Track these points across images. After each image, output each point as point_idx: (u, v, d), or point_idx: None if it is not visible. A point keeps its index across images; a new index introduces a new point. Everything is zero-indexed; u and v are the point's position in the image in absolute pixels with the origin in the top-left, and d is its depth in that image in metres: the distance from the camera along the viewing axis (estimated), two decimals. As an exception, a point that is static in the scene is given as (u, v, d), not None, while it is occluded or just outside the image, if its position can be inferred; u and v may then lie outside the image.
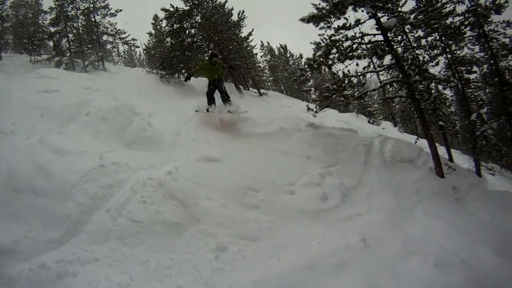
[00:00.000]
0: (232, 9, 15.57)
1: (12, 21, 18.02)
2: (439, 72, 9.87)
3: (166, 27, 14.96)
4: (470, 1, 9.74)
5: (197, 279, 3.99)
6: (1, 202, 4.40)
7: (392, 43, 8.24)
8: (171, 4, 13.89)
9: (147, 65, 18.84)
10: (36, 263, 3.73)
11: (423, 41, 9.94)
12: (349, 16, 8.20)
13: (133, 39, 16.59)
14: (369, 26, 8.28)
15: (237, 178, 6.02)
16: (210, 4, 14.53)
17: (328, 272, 4.07)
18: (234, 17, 15.85)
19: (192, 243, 4.52)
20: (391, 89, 10.49)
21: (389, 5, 8.11)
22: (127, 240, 4.38)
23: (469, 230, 5.83)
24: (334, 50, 8.21)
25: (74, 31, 15.94)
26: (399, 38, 8.88)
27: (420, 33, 9.88)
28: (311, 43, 8.60)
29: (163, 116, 8.10)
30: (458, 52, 10.30)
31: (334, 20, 8.27)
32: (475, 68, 10.67)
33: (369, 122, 20.28)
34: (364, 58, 8.35)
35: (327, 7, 8.13)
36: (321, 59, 8.24)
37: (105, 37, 16.36)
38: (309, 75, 9.75)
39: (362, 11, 8.05)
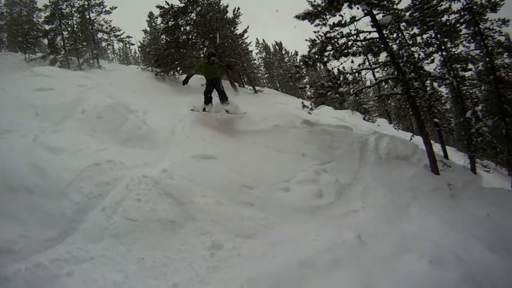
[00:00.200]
0: (227, 6, 15.53)
1: (7, 19, 17.90)
2: (434, 69, 9.93)
3: (161, 25, 14.87)
4: (466, -1, 9.78)
5: (192, 277, 3.99)
6: (-4, 201, 4.37)
7: (388, 40, 8.28)
8: (166, 1, 13.84)
9: (142, 62, 18.78)
10: (32, 262, 3.70)
11: (419, 39, 10.02)
12: (344, 13, 8.24)
13: (128, 37, 16.54)
14: (365, 23, 8.36)
15: (232, 176, 6.02)
16: (205, 1, 14.44)
17: (323, 269, 4.07)
18: (229, 14, 15.81)
19: (188, 240, 4.51)
20: (386, 86, 10.54)
21: (385, 2, 8.14)
22: (123, 239, 4.35)
23: (464, 227, 5.88)
24: (329, 47, 8.22)
25: (69, 29, 15.83)
26: (395, 35, 8.94)
27: (416, 30, 9.96)
28: (306, 40, 8.62)
29: (158, 114, 8.06)
30: (454, 49, 10.38)
31: (330, 17, 8.30)
32: (470, 66, 10.75)
33: (364, 119, 20.36)
34: (359, 55, 8.38)
35: (322, 4, 8.15)
36: (316, 56, 8.26)
37: (100, 35, 16.33)
38: (304, 72, 9.75)
39: (358, 8, 8.06)
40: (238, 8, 16.16)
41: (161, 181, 5.21)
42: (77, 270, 3.77)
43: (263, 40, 32.86)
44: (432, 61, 9.24)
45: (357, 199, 6.44)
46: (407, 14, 9.42)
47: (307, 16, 8.25)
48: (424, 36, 9.97)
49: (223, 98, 8.29)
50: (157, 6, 13.91)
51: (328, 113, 14.94)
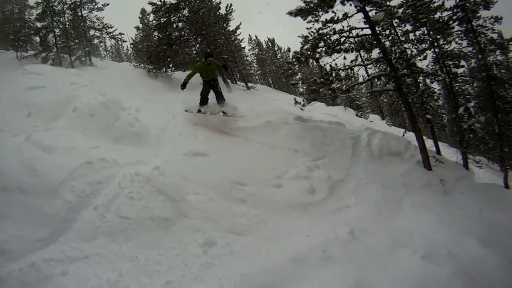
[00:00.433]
0: (219, 2, 15.44)
1: (-2, 17, 17.63)
2: (427, 66, 9.96)
3: (154, 21, 14.78)
4: (459, -4, 9.82)
5: (186, 274, 3.99)
6: (-11, 201, 4.33)
7: (380, 37, 8.28)
8: (158, -2, 13.73)
9: (134, 59, 18.64)
10: (25, 262, 3.69)
11: (411, 35, 10.05)
12: (337, 10, 8.25)
13: (120, 34, 16.33)
14: (357, 20, 8.34)
15: (225, 172, 6.02)
16: (198, -2, 14.37)
17: (316, 265, 4.10)
18: (222, 11, 15.74)
19: (181, 238, 4.52)
20: (379, 82, 10.56)
21: (377, -1, 8.14)
22: (116, 237, 4.35)
23: (456, 222, 5.93)
24: (322, 44, 8.23)
25: (61, 26, 15.62)
26: (387, 32, 8.91)
27: (408, 27, 9.97)
28: (299, 36, 8.60)
29: (150, 111, 8.03)
30: (446, 46, 10.42)
31: (322, 14, 8.30)
32: (463, 63, 10.81)
33: (357, 115, 20.46)
34: (352, 52, 8.39)
35: (315, 1, 8.15)
36: (309, 52, 8.26)
37: (92, 32, 16.09)
38: (297, 69, 9.75)
39: (350, 4, 8.09)
40: (231, 5, 16.12)
41: (154, 179, 5.21)
42: (71, 269, 3.76)
43: (256, 36, 32.88)
44: (425, 58, 9.32)
45: (349, 195, 6.48)
46: (400, 11, 9.44)
47: (300, 12, 8.25)
48: (417, 33, 10.00)
49: (220, 99, 8.13)
50: (149, 3, 13.80)
51: (320, 110, 14.99)
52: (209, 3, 14.87)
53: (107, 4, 15.68)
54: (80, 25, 15.71)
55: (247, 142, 7.46)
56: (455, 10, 10.04)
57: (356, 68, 8.57)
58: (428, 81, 9.89)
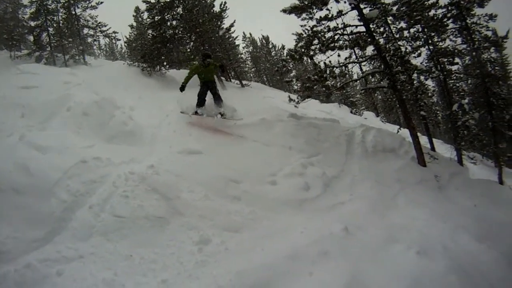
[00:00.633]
0: (214, 0, 15.38)
1: (-8, 17, 17.47)
2: (421, 63, 10.00)
3: (148, 19, 14.72)
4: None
5: (181, 272, 4.00)
6: (-17, 203, 4.31)
7: (374, 34, 8.30)
8: (152, -4, 13.67)
9: (128, 58, 18.56)
10: (21, 263, 3.68)
11: (406, 33, 10.06)
12: (331, 7, 8.26)
13: (114, 32, 16.28)
14: (351, 18, 8.35)
15: (219, 170, 6.02)
16: (192, -5, 14.31)
17: (311, 261, 4.12)
18: (216, 8, 15.66)
19: (176, 236, 4.51)
20: (373, 79, 10.59)
21: (372, -4, 8.15)
22: (111, 236, 4.34)
23: (451, 218, 5.95)
24: (316, 41, 8.23)
25: (55, 25, 15.53)
26: (382, 29, 8.96)
27: (403, 24, 10.01)
28: (293, 34, 8.61)
29: (144, 109, 8.01)
30: (441, 43, 10.44)
31: (316, 11, 8.30)
32: (457, 60, 10.83)
33: (351, 112, 20.53)
34: (346, 49, 8.39)
35: (310, -2, 8.14)
36: (303, 50, 8.26)
37: (86, 30, 16.03)
38: (291, 66, 9.75)
39: (345, 2, 8.09)
40: (225, 2, 16.01)
41: (148, 177, 5.20)
42: (66, 269, 3.75)
43: (250, 34, 32.86)
44: (419, 55, 9.31)
45: (344, 192, 6.49)
46: (394, 8, 9.46)
47: (294, 10, 8.25)
48: (411, 30, 10.02)
49: (218, 101, 8.01)
50: (144, 1, 13.77)
51: (315, 107, 14.94)
52: (203, 1, 14.80)
53: (101, 2, 15.60)
54: (74, 24, 15.63)
55: (241, 139, 7.46)
56: (449, 8, 10.07)
57: (350, 65, 8.59)
58: (422, 78, 9.93)
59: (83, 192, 4.80)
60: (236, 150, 6.94)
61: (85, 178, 4.98)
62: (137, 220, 4.58)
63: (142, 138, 6.85)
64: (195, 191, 5.32)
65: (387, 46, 8.39)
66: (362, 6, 8.11)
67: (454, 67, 10.91)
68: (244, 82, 16.50)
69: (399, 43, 8.92)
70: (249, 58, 32.02)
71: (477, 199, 7.07)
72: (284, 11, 8.38)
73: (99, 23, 15.84)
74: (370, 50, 8.75)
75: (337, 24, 8.27)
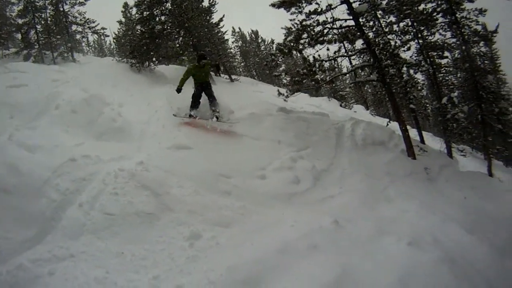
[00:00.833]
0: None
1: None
2: (410, 57, 10.04)
3: (136, 15, 14.60)
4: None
5: (172, 268, 4.00)
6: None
7: (364, 28, 8.29)
8: (141, -9, 13.54)
9: (117, 54, 18.42)
10: (13, 264, 3.64)
11: (395, 27, 10.05)
12: (320, 1, 8.25)
13: (103, 28, 16.20)
14: (341, 11, 8.34)
15: (209, 165, 6.01)
16: (181, -10, 14.18)
17: (301, 255, 4.14)
18: (205, 3, 15.59)
19: (166, 232, 4.49)
20: (362, 73, 10.62)
21: (361, -10, 8.14)
22: (101, 234, 4.31)
23: (441, 209, 6.00)
24: (305, 35, 8.23)
25: (43, 22, 15.36)
26: (371, 23, 8.95)
27: (392, 18, 9.95)
28: (282, 28, 8.60)
29: (133, 106, 7.97)
30: (430, 37, 10.49)
31: (305, 5, 8.28)
32: (446, 54, 10.91)
33: (341, 105, 20.55)
34: (335, 43, 8.40)
35: (298, -8, 8.11)
36: (292, 44, 8.25)
37: (74, 27, 15.92)
38: (280, 60, 9.74)
39: (334, -4, 8.07)
40: (214, -4, 15.93)
41: (138, 174, 5.16)
42: (58, 268, 3.72)
43: (240, 28, 32.91)
44: (409, 49, 9.34)
45: (334, 185, 6.52)
46: (384, 2, 9.42)
47: (283, 4, 8.22)
48: (401, 24, 9.99)
49: (214, 103, 7.85)
50: (132, -4, 13.67)
51: (304, 100, 14.97)
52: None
53: (89, -2, 15.48)
54: (62, 21, 15.50)
55: (230, 134, 7.45)
56: (439, 2, 10.07)
57: (339, 59, 8.65)
58: (411, 71, 9.99)
59: (73, 190, 4.76)
60: (225, 145, 6.94)
61: (74, 176, 4.94)
62: (127, 217, 4.55)
63: (131, 134, 6.82)
64: (184, 186, 5.30)
65: (377, 40, 8.42)
66: (351, 0, 8.10)
67: (444, 61, 11.02)
68: (233, 77, 16.49)
69: (388, 37, 8.91)
70: (239, 52, 31.97)
71: (467, 191, 7.12)
72: (273, 5, 8.35)
73: (88, 19, 15.77)
74: (359, 44, 8.79)
75: (327, 18, 8.28)
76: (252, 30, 33.16)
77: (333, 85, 15.83)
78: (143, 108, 8.11)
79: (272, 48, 28.14)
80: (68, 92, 7.31)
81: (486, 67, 11.49)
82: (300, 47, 8.28)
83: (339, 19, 8.25)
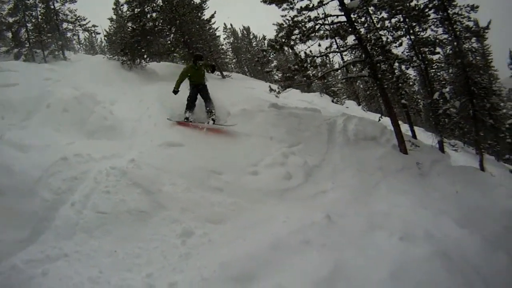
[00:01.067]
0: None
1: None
2: (402, 52, 10.06)
3: (127, 12, 14.44)
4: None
5: (165, 266, 4.01)
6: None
7: (355, 24, 8.27)
8: (132, -13, 13.39)
9: (108, 52, 18.27)
10: (6, 266, 3.61)
11: (387, 23, 10.06)
12: (312, -3, 8.18)
13: (94, 26, 16.03)
14: (333, 7, 8.35)
15: (200, 162, 6.01)
16: (172, -14, 14.05)
17: (293, 250, 4.16)
18: (196, 0, 15.47)
19: (159, 230, 4.51)
20: (354, 69, 10.63)
21: (353, -14, 8.12)
22: (94, 233, 4.31)
23: (433, 204, 6.04)
24: (297, 31, 8.18)
25: (33, 20, 15.19)
26: (363, 19, 8.94)
27: (384, 14, 9.96)
28: (273, 24, 8.56)
29: (125, 103, 7.95)
30: (422, 33, 10.50)
31: (297, 1, 8.24)
32: (438, 49, 10.94)
33: (332, 101, 20.51)
34: (327, 39, 8.34)
35: (290, -12, 8.08)
36: (283, 40, 8.20)
37: (65, 25, 15.74)
38: (271, 56, 9.72)
39: (326, -8, 8.03)
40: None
41: (129, 172, 5.16)
42: (51, 268, 3.71)
43: (231, 25, 32.66)
44: (400, 45, 9.34)
45: (326, 180, 6.55)
46: (376, -2, 9.48)
47: (274, 0, 8.20)
48: (393, 20, 9.97)
49: (210, 105, 7.79)
50: (123, -7, 13.52)
51: (296, 96, 14.93)
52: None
53: (80, -4, 15.31)
54: (52, 19, 15.30)
55: (222, 130, 7.45)
56: (431, -2, 10.14)
57: (331, 55, 8.59)
58: (403, 67, 10.00)
59: (65, 189, 4.75)
60: (217, 142, 6.94)
61: (66, 175, 4.93)
62: (119, 215, 4.55)
63: (123, 132, 6.82)
64: (176, 183, 5.31)
65: (368, 36, 8.42)
66: (343, -4, 8.09)
67: (435, 57, 11.02)
68: (225, 73, 16.37)
69: (380, 33, 8.92)
70: (230, 49, 31.83)
71: (459, 185, 7.14)
72: (264, 1, 8.34)
73: (79, 17, 15.59)
74: (351, 39, 8.77)
75: (318, 14, 8.19)
76: (244, 27, 33.00)
77: (325, 80, 15.76)
78: (135, 105, 8.06)
79: (264, 44, 28.15)
80: (59, 91, 7.27)
81: (477, 63, 11.55)
82: (292, 43, 8.24)
83: (330, 15, 8.21)
